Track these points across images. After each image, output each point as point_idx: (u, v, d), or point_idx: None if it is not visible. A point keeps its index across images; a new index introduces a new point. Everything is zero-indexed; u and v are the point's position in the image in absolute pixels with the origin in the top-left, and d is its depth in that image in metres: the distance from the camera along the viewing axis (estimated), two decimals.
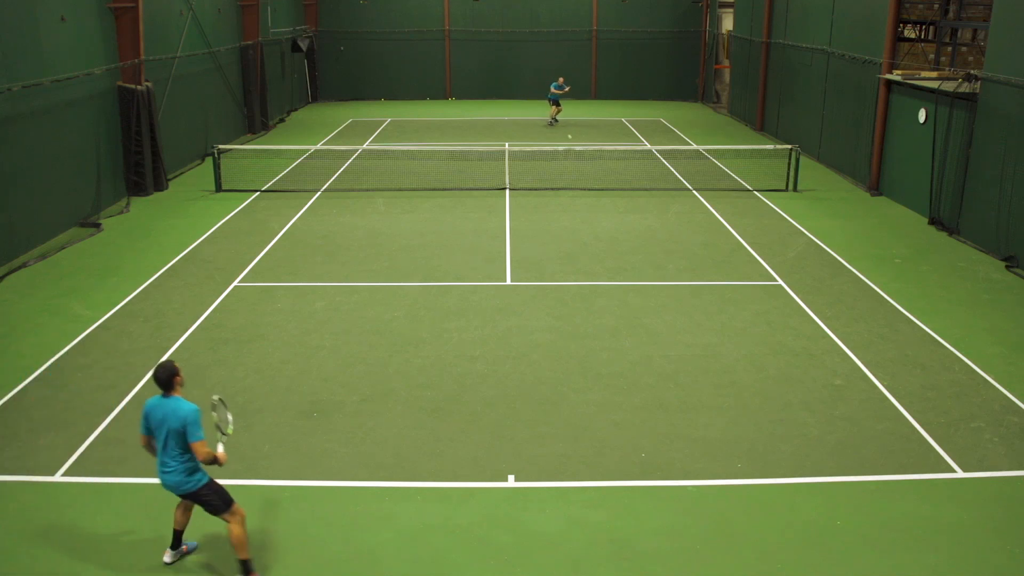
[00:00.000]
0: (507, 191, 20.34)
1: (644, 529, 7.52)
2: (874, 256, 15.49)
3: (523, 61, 39.53)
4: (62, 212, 16.79)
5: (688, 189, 20.73)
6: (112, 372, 10.52)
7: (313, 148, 23.78)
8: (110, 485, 8.15)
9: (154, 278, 14.04)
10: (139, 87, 19.31)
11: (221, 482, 6.96)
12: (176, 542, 7.12)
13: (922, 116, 18.47)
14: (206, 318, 12.31)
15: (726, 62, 37.47)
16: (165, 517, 7.53)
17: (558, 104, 30.80)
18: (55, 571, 6.94)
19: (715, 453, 8.74)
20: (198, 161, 23.91)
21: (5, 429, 9.15)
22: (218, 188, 20.26)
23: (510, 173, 22.34)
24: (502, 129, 30.09)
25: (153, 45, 20.52)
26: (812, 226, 17.45)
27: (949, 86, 17.22)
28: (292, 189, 20.55)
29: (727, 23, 37.97)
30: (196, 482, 6.70)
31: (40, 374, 10.48)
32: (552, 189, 20.58)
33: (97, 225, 17.22)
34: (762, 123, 29.98)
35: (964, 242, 16.43)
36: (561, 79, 31.20)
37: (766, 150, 24.34)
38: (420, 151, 25.07)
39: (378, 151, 25.22)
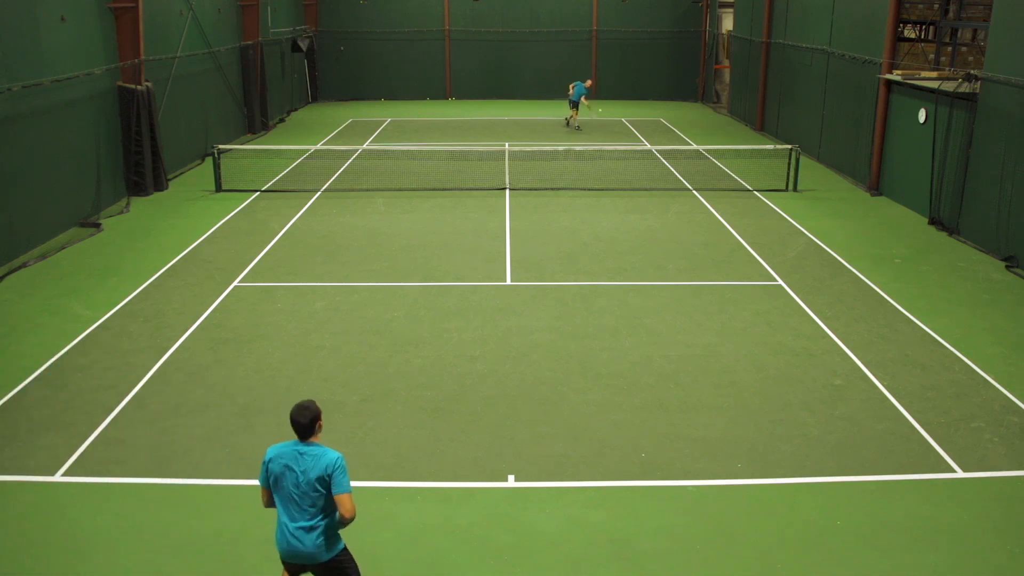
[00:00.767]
0: (507, 191, 20.34)
1: (644, 529, 7.52)
2: (874, 256, 15.49)
3: (523, 61, 39.53)
4: (62, 212, 16.79)
5: (688, 189, 20.73)
6: (112, 372, 10.52)
7: (313, 148, 23.77)
8: (110, 485, 8.14)
9: (154, 278, 14.05)
10: (139, 87, 19.31)
11: (222, 483, 6.92)
12: None
13: (922, 116, 18.47)
14: (206, 318, 12.31)
15: (726, 62, 37.47)
16: (165, 517, 7.54)
17: (576, 107, 29.80)
18: (55, 571, 6.93)
19: (715, 453, 8.74)
20: (198, 161, 23.91)
21: (5, 429, 9.15)
22: (218, 188, 20.27)
23: (510, 173, 22.35)
24: (502, 129, 30.09)
25: (153, 45, 20.52)
26: (812, 226, 17.46)
27: (949, 86, 17.21)
28: (292, 189, 20.55)
29: (727, 23, 37.99)
30: (340, 549, 5.55)
31: (40, 374, 10.48)
32: (552, 189, 20.58)
33: (97, 225, 17.22)
34: (762, 123, 29.97)
35: (964, 242, 16.43)
36: (589, 82, 30.31)
37: (766, 150, 24.34)
38: (420, 151, 25.07)
39: (378, 151, 25.21)
